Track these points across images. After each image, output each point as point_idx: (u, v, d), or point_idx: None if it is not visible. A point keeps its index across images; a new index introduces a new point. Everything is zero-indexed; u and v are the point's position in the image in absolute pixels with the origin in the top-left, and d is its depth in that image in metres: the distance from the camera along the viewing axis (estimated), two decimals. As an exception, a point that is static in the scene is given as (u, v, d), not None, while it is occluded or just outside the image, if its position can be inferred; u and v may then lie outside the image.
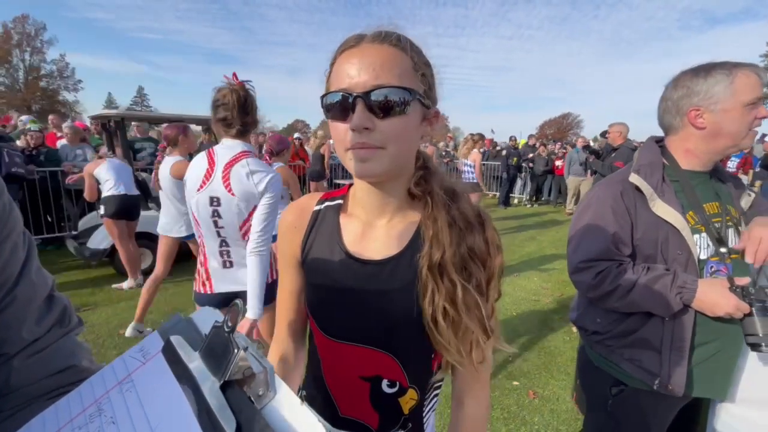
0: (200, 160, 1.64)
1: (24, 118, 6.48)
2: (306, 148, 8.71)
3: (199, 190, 1.60)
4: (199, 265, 1.77)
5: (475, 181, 5.83)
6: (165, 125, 3.55)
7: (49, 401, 0.45)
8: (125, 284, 4.00)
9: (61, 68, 36.33)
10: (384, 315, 0.65)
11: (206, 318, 0.43)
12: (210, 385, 0.33)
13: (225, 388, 0.33)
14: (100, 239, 4.12)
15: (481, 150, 6.60)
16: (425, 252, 0.62)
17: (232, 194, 1.56)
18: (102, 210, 3.75)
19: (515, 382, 2.59)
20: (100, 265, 4.43)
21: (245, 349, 0.34)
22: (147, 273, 4.28)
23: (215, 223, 1.62)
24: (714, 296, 1.06)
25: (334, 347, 0.69)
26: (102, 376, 0.39)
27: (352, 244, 0.68)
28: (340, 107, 0.57)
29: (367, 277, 0.66)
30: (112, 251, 4.12)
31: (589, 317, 1.31)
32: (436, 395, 0.77)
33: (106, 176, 3.77)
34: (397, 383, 0.69)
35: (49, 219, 5.38)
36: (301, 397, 0.82)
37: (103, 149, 3.97)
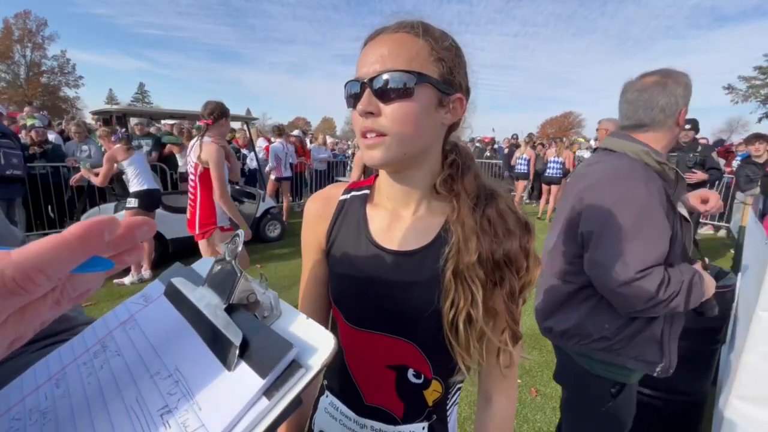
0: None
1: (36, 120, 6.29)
2: (309, 146, 8.73)
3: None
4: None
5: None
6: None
7: (39, 351, 0.45)
8: (127, 279, 4.00)
9: (62, 64, 36.32)
10: (409, 306, 0.65)
11: (205, 265, 0.43)
12: (214, 309, 0.34)
13: (230, 311, 0.34)
14: (102, 235, 4.11)
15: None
16: (451, 255, 0.61)
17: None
18: (134, 203, 3.79)
19: (517, 380, 2.58)
20: (101, 261, 4.42)
21: (246, 278, 0.35)
22: (150, 268, 4.31)
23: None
24: (709, 282, 1.15)
25: (360, 336, 0.69)
26: (104, 321, 0.40)
27: (379, 235, 0.68)
28: (353, 95, 0.60)
29: (393, 267, 0.65)
30: (114, 247, 4.12)
31: (595, 325, 1.24)
32: (459, 389, 0.77)
33: (138, 169, 3.83)
34: (422, 375, 0.68)
35: (52, 214, 5.38)
36: (323, 386, 0.80)
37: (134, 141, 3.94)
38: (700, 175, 4.20)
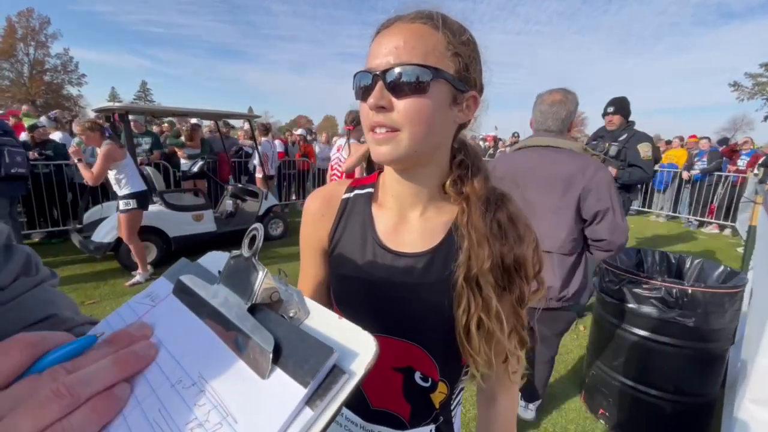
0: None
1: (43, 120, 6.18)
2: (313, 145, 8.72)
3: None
4: None
5: None
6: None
7: None
8: (141, 277, 3.96)
9: (65, 62, 36.28)
10: (416, 308, 0.63)
11: (213, 260, 0.40)
12: (237, 311, 0.31)
13: (253, 312, 0.31)
14: (105, 233, 4.10)
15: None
16: (462, 262, 0.59)
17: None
18: (134, 203, 3.71)
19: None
20: (104, 259, 4.42)
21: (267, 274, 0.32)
22: (152, 266, 4.32)
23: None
24: None
25: None
26: (108, 324, 0.36)
27: (386, 236, 0.66)
28: (364, 86, 0.56)
29: (400, 269, 0.63)
30: (117, 245, 4.11)
31: (585, 277, 1.76)
32: (462, 389, 0.76)
33: (132, 170, 3.76)
34: (429, 378, 0.66)
35: (55, 213, 5.39)
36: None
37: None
38: None
